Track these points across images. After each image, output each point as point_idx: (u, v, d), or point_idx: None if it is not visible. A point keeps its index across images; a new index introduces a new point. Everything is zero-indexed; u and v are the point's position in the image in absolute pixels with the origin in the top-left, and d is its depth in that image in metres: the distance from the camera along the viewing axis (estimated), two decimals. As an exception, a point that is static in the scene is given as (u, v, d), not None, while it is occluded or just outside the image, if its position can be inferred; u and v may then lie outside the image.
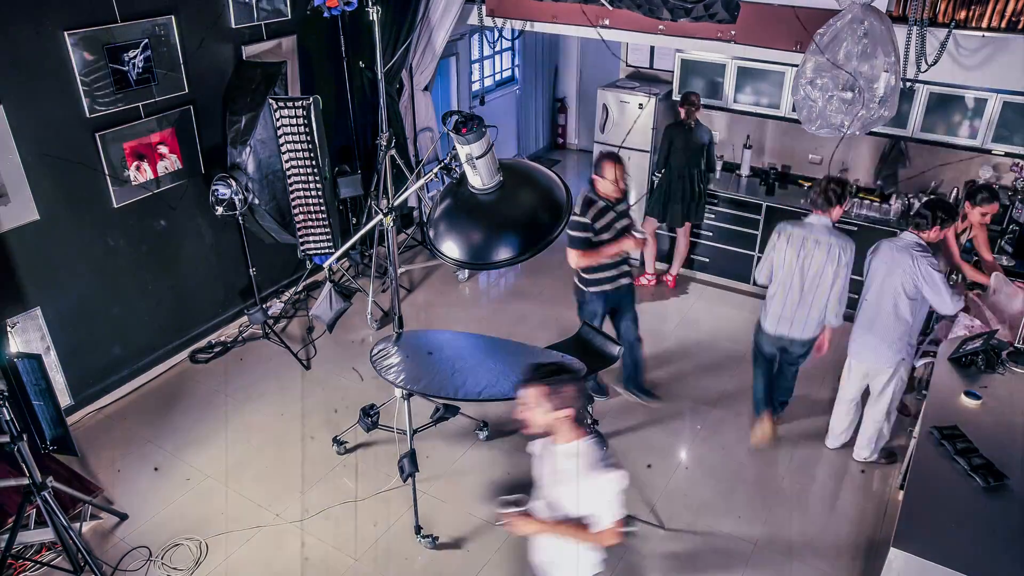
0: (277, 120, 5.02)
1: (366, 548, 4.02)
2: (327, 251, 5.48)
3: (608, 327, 4.69)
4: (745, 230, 6.12)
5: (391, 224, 3.61)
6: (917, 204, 5.38)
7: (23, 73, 4.12)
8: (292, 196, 5.28)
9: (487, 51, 8.25)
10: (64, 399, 4.69)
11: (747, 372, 4.80)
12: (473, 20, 6.20)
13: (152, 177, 4.90)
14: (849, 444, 4.57)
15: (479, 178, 2.75)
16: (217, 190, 5.04)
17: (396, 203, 3.40)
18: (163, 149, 4.92)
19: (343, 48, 5.97)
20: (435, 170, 2.95)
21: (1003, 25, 4.48)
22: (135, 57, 4.59)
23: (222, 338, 5.73)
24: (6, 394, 3.43)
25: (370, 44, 5.56)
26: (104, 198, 4.68)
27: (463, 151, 2.68)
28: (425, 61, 6.42)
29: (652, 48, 6.55)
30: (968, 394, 3.69)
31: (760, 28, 5.09)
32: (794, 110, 4.75)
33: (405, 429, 3.98)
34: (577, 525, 2.61)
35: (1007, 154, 5.07)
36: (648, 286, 6.47)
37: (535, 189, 2.89)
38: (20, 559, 3.83)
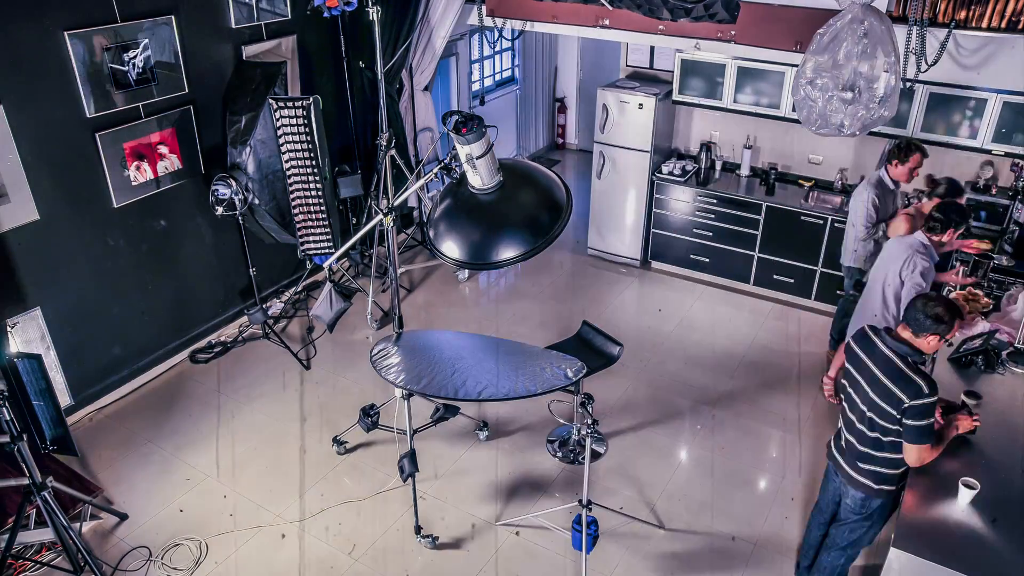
0: (277, 120, 5.02)
1: (366, 548, 4.02)
2: (327, 251, 5.48)
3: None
4: (745, 230, 6.12)
5: (391, 224, 3.61)
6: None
7: (23, 73, 4.12)
8: (292, 196, 5.28)
9: (487, 51, 8.25)
10: (64, 399, 4.69)
11: (747, 372, 4.80)
12: (473, 20, 6.21)
13: (152, 177, 4.90)
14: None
15: (479, 178, 2.76)
16: (217, 190, 5.04)
17: (396, 203, 3.40)
18: (163, 149, 4.92)
19: (343, 48, 5.97)
20: (435, 170, 2.95)
21: (1003, 25, 4.49)
22: (135, 57, 4.59)
23: (222, 338, 5.73)
24: (6, 394, 3.43)
25: (370, 44, 5.57)
26: (104, 198, 4.68)
27: (463, 151, 2.68)
28: (425, 61, 6.43)
29: (652, 48, 6.55)
30: (968, 394, 3.69)
31: (760, 28, 5.09)
32: (794, 110, 4.76)
33: (405, 429, 3.98)
34: None
35: (1007, 154, 5.07)
36: None
37: (535, 189, 2.89)
38: (20, 559, 3.83)
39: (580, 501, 3.70)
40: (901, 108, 5.07)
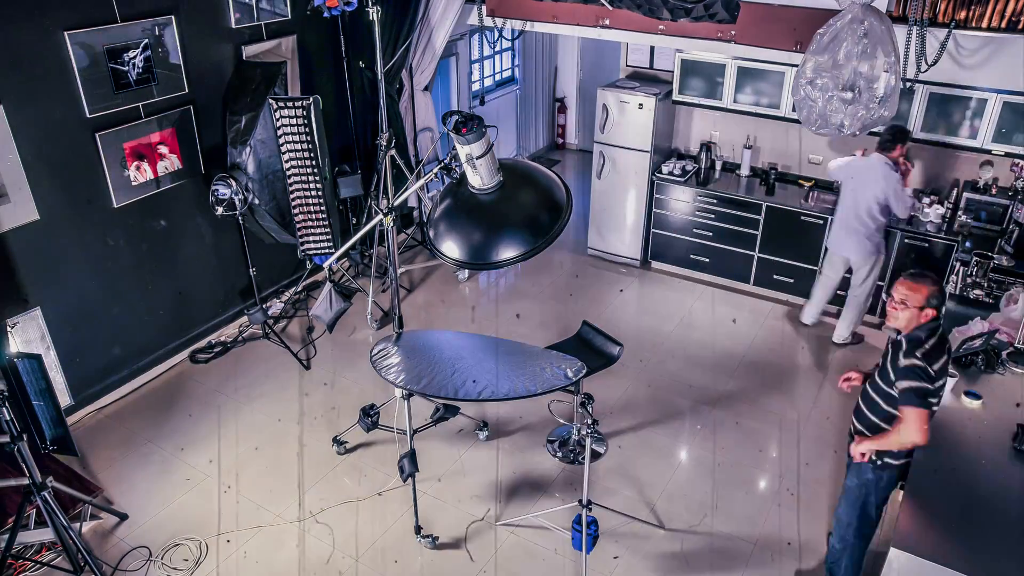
0: (277, 120, 5.02)
1: (366, 548, 4.02)
2: (327, 251, 5.48)
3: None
4: (745, 230, 6.12)
5: (391, 224, 3.61)
6: (916, 203, 5.43)
7: (23, 73, 4.12)
8: (292, 196, 5.28)
9: (487, 51, 8.25)
10: (64, 399, 4.69)
11: (747, 372, 4.80)
12: (473, 20, 6.21)
13: (152, 177, 4.90)
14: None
15: (479, 178, 2.76)
16: (217, 190, 5.04)
17: (396, 203, 3.40)
18: (163, 149, 4.93)
19: (343, 48, 5.97)
20: (435, 170, 2.95)
21: (1003, 25, 4.49)
22: (135, 57, 4.59)
23: (222, 338, 5.73)
24: (6, 394, 3.43)
25: (370, 44, 5.57)
26: (104, 198, 4.68)
27: (463, 151, 2.68)
28: (425, 61, 6.43)
29: (652, 48, 6.55)
30: (968, 394, 3.69)
31: (760, 28, 5.09)
32: (794, 110, 4.76)
33: (405, 429, 3.98)
34: None
35: (1007, 154, 5.07)
36: None
37: (535, 189, 2.89)
38: (20, 559, 3.83)
39: (580, 501, 3.70)
40: (901, 108, 5.08)
